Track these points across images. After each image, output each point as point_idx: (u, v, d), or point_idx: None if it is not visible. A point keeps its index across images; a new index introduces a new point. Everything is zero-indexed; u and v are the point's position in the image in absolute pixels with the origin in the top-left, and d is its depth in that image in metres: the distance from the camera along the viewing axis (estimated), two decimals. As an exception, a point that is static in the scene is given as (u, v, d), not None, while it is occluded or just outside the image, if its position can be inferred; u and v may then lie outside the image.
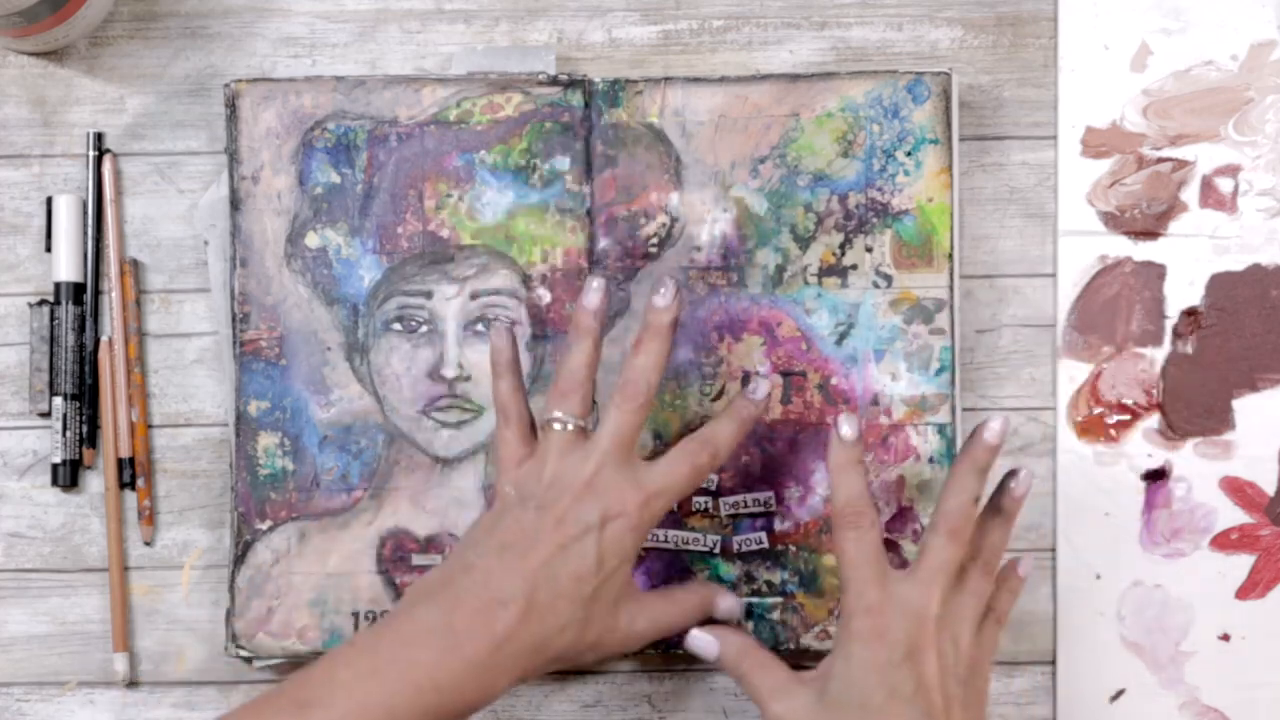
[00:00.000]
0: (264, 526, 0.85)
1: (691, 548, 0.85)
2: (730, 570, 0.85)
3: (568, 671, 0.86)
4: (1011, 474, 0.78)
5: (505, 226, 0.85)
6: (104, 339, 0.86)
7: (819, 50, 0.87)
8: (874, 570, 0.75)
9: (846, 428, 0.76)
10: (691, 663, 0.86)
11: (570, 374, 0.77)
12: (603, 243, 0.85)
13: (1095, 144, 0.87)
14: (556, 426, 0.77)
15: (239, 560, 0.85)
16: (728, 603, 0.81)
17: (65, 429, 0.86)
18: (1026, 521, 0.86)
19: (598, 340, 0.78)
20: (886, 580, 0.75)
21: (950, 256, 0.85)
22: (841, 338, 0.85)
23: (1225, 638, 0.86)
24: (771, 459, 0.85)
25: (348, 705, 0.71)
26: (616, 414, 0.76)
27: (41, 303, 0.86)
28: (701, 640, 0.80)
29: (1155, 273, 0.86)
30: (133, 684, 0.86)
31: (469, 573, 0.74)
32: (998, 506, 0.78)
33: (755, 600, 0.85)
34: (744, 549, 0.85)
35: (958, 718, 0.74)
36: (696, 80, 0.85)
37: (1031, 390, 0.87)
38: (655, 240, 0.85)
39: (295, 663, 0.85)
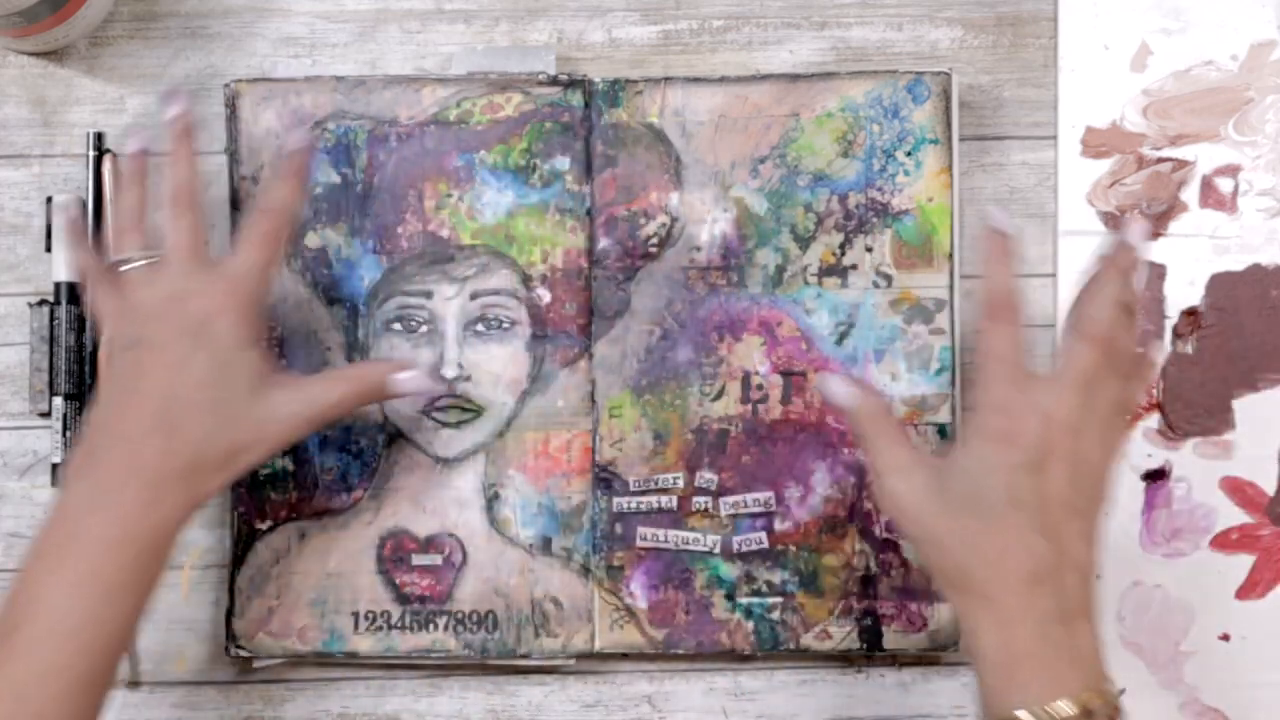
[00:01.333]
0: (264, 526, 0.85)
1: (691, 548, 0.85)
2: (730, 570, 0.85)
3: (567, 671, 0.86)
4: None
5: (505, 226, 0.85)
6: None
7: (819, 50, 0.87)
8: (1012, 368, 0.72)
9: (1001, 218, 0.75)
10: (692, 662, 0.86)
11: (122, 216, 0.80)
12: (603, 243, 0.85)
13: (1095, 144, 0.87)
14: (126, 267, 0.78)
15: (239, 560, 0.85)
16: (405, 375, 0.80)
17: (65, 429, 0.86)
18: (1026, 521, 0.86)
19: (142, 180, 0.80)
20: (1023, 381, 0.72)
21: (950, 256, 0.85)
22: (841, 338, 0.85)
23: (1225, 638, 0.86)
24: (771, 459, 0.85)
25: (45, 614, 0.71)
26: (170, 226, 0.78)
27: (41, 303, 0.86)
28: (838, 387, 0.76)
29: (1155, 273, 0.86)
30: (133, 684, 0.86)
31: (101, 430, 0.75)
32: (1127, 303, 0.74)
33: (755, 600, 0.85)
34: (744, 549, 0.85)
35: (1072, 530, 0.71)
36: (696, 80, 0.85)
37: (1031, 390, 0.87)
38: (655, 240, 0.85)
39: (295, 662, 0.85)
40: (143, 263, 0.78)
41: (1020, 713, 0.68)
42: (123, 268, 0.78)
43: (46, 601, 0.71)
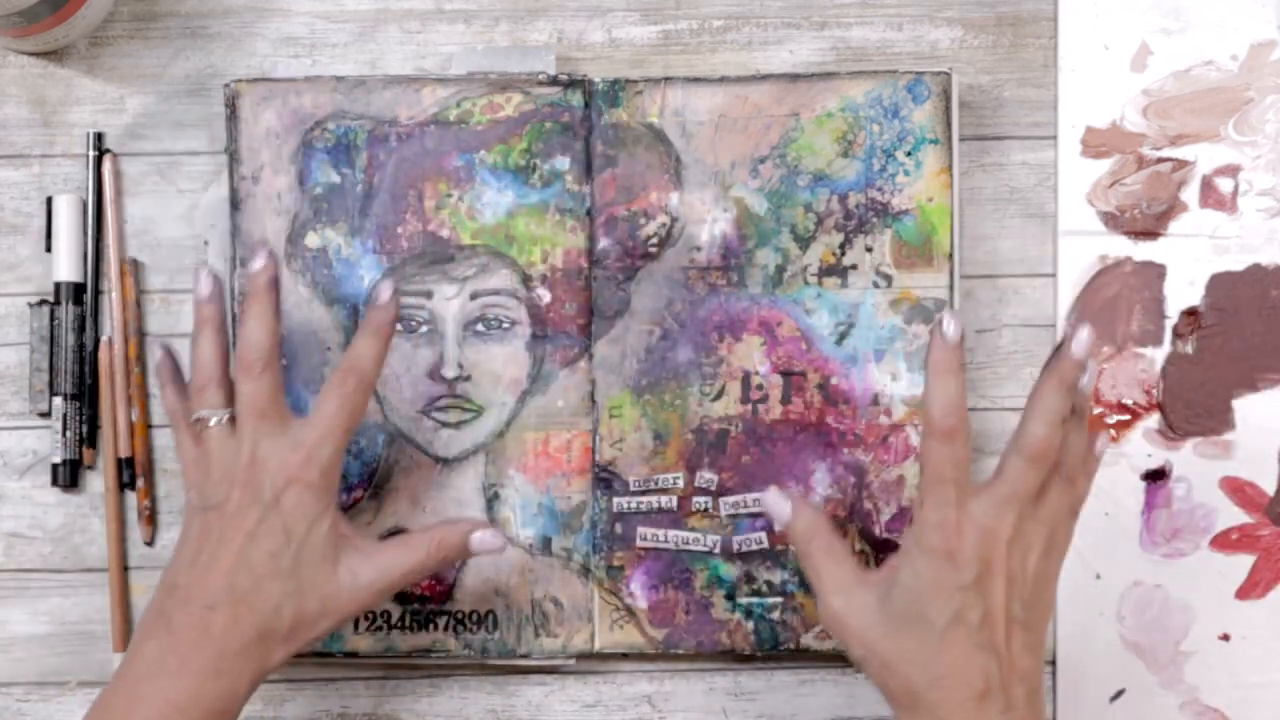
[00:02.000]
0: (264, 526, 0.85)
1: (691, 548, 0.85)
2: (730, 570, 0.85)
3: (567, 671, 0.86)
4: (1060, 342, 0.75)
5: (505, 226, 0.85)
6: (104, 339, 0.86)
7: (819, 50, 0.87)
8: (956, 489, 0.72)
9: (951, 326, 0.73)
10: (692, 662, 0.86)
11: (201, 369, 0.78)
12: (603, 243, 0.85)
13: (1095, 144, 0.87)
14: (210, 424, 0.77)
15: (239, 560, 0.85)
16: (483, 535, 0.79)
17: (65, 429, 0.86)
18: (1026, 521, 0.86)
19: (220, 326, 0.78)
20: (966, 499, 0.72)
21: (950, 256, 0.85)
22: (841, 338, 0.85)
23: (1225, 638, 0.86)
24: (771, 459, 0.85)
25: None
26: (245, 387, 0.76)
27: (41, 303, 0.86)
28: (776, 502, 0.77)
29: (1155, 273, 0.86)
30: (133, 684, 0.86)
31: (174, 593, 0.75)
32: (1071, 409, 0.75)
33: (755, 600, 0.85)
34: (744, 549, 0.85)
35: (1017, 644, 0.72)
36: (696, 80, 0.85)
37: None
38: (655, 240, 0.85)
39: (295, 662, 0.85)
40: (222, 420, 0.77)
41: None
42: (203, 424, 0.77)
43: None
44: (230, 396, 0.77)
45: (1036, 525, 0.74)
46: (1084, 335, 0.74)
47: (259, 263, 0.78)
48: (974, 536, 0.72)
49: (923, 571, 0.72)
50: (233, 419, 0.77)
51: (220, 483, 0.76)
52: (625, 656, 0.86)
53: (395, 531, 0.85)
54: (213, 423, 0.77)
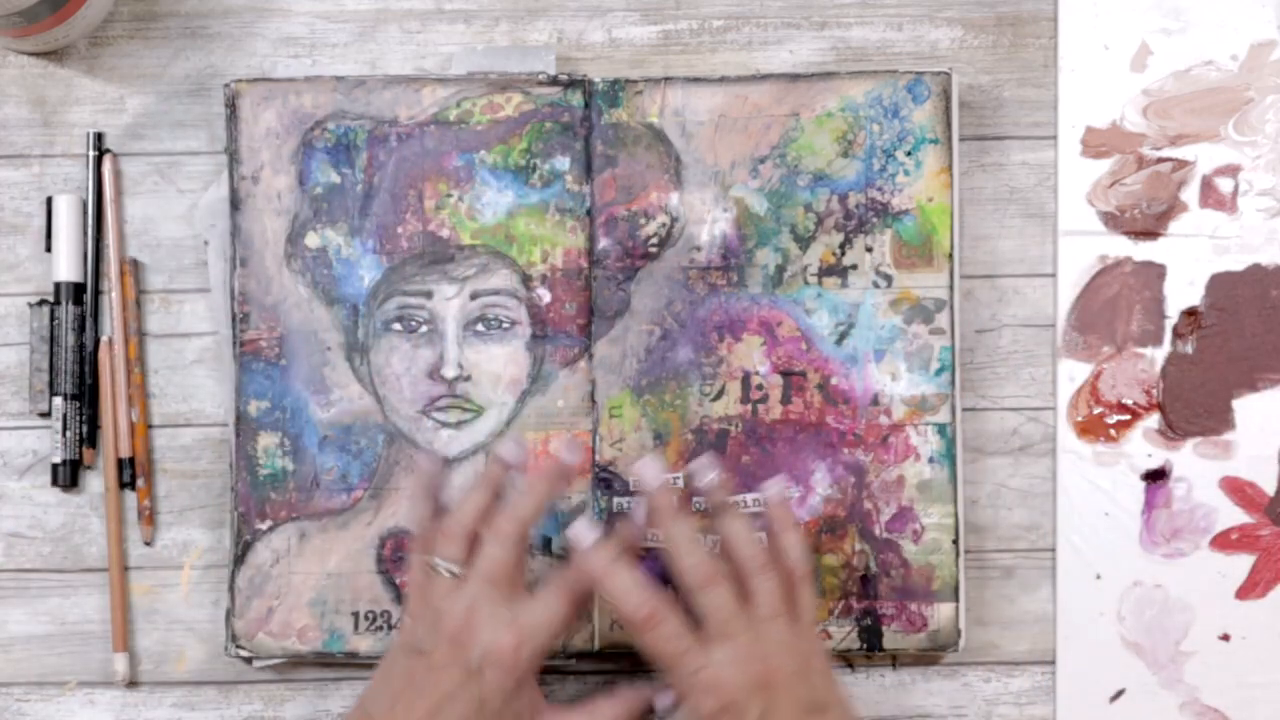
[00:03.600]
0: (264, 526, 0.85)
1: (691, 548, 0.85)
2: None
3: (567, 671, 0.86)
4: (692, 474, 0.80)
5: (505, 226, 0.85)
6: (104, 339, 0.86)
7: (819, 50, 0.87)
8: (692, 654, 0.75)
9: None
10: (691, 663, 0.86)
11: (460, 518, 0.79)
12: (603, 243, 0.85)
13: (1095, 144, 0.87)
14: (438, 570, 0.78)
15: (239, 560, 0.85)
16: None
17: (65, 429, 0.86)
18: (1026, 521, 0.86)
19: (498, 492, 0.79)
20: (707, 654, 0.75)
21: (950, 256, 0.85)
22: (841, 338, 0.85)
23: (1225, 638, 0.86)
24: (771, 459, 0.85)
25: None
26: (488, 549, 0.77)
27: (41, 303, 0.86)
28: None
29: (1155, 273, 0.86)
30: (133, 684, 0.86)
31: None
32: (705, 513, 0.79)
33: (755, 600, 0.85)
34: (744, 549, 0.85)
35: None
36: (696, 80, 0.85)
37: (1031, 390, 0.87)
38: (655, 240, 0.85)
39: (295, 662, 0.85)
40: (454, 572, 0.77)
41: None
42: (436, 570, 0.78)
43: None
44: (465, 556, 0.78)
45: (772, 623, 0.76)
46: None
47: (573, 457, 0.82)
48: (737, 673, 0.75)
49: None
50: (459, 577, 0.78)
51: (432, 632, 0.77)
52: (625, 656, 0.86)
53: (396, 532, 0.85)
54: (443, 570, 0.77)
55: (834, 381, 0.85)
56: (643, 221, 0.85)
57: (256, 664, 0.85)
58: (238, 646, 0.84)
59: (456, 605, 0.77)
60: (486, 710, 0.76)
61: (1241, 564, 0.86)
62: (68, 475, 0.86)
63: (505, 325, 0.85)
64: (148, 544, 0.86)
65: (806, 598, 0.78)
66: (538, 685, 0.79)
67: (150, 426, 0.87)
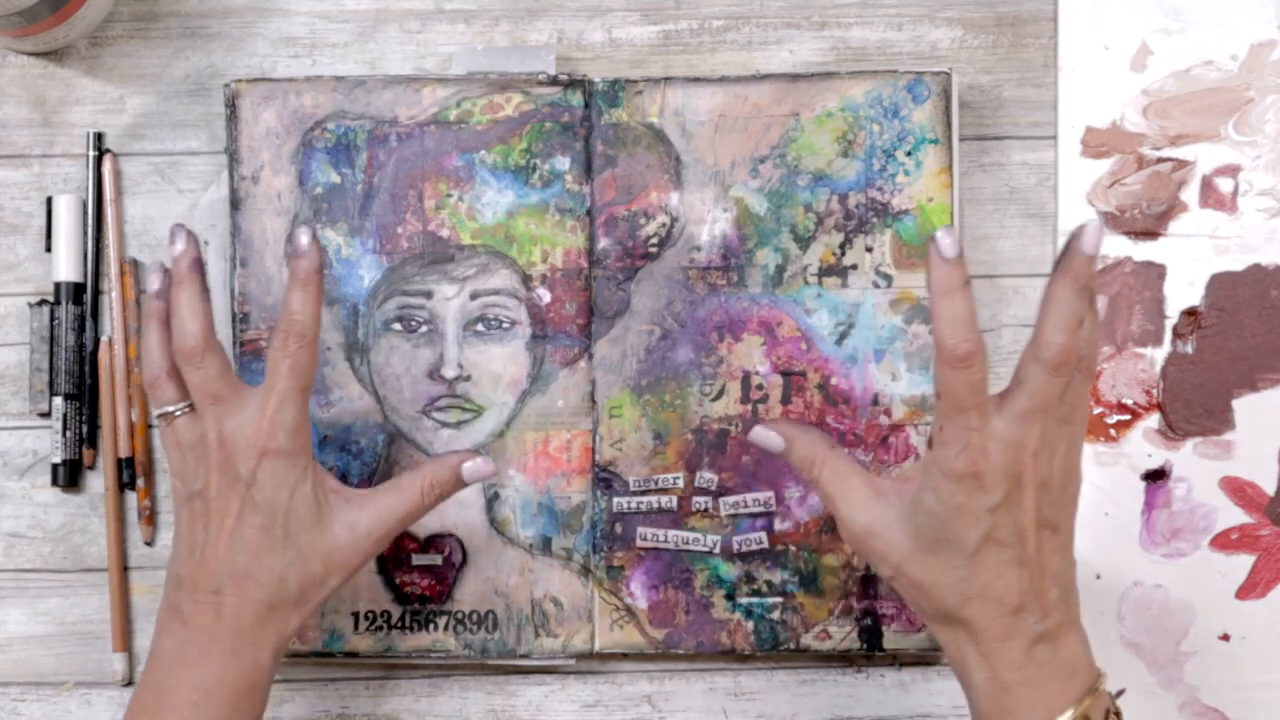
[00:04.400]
0: (264, 526, 0.85)
1: (691, 548, 0.85)
2: (730, 570, 0.85)
3: (567, 671, 0.86)
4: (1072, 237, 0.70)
5: (505, 226, 0.85)
6: (104, 339, 0.86)
7: (819, 50, 0.87)
8: (978, 413, 0.69)
9: (948, 241, 0.69)
10: (692, 662, 0.86)
11: (150, 365, 0.77)
12: (603, 243, 0.85)
13: (1095, 144, 0.87)
14: (175, 416, 0.77)
15: (239, 560, 0.85)
16: (474, 464, 0.78)
17: (65, 429, 0.86)
18: (1026, 521, 0.86)
19: (164, 320, 0.77)
20: (987, 419, 0.69)
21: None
22: (841, 338, 0.85)
23: (1225, 638, 0.86)
24: (771, 459, 0.85)
25: None
26: (190, 375, 0.76)
27: (41, 303, 0.86)
28: (763, 435, 0.77)
29: (1155, 273, 0.86)
30: (132, 684, 0.86)
31: (180, 585, 0.76)
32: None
33: (755, 600, 0.85)
34: (744, 549, 0.85)
35: (1048, 548, 0.71)
36: (696, 80, 0.85)
37: (1031, 390, 0.87)
38: (655, 240, 0.85)
39: (295, 662, 0.85)
40: (182, 411, 0.77)
41: None
42: (168, 420, 0.77)
43: None
44: (182, 390, 0.77)
45: (1060, 428, 0.71)
46: (1093, 230, 0.69)
47: (179, 245, 0.77)
48: (1000, 455, 0.69)
49: (948, 497, 0.70)
50: (189, 408, 0.76)
51: (197, 469, 0.76)
52: (625, 656, 0.86)
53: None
54: (176, 414, 0.77)
55: (834, 381, 0.85)
56: (643, 221, 0.85)
57: (256, 664, 0.85)
58: (238, 646, 0.84)
59: (202, 436, 0.75)
60: (279, 507, 0.75)
61: (1241, 564, 0.86)
62: (68, 475, 0.86)
63: (505, 325, 0.85)
64: (148, 544, 0.86)
65: (1085, 410, 0.72)
66: (322, 468, 0.77)
67: (150, 426, 0.86)
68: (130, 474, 0.86)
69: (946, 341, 0.69)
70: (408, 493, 0.78)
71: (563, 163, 0.85)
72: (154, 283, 0.78)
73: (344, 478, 0.85)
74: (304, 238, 0.76)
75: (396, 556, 0.85)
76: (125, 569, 0.86)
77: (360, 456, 0.85)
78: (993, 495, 0.70)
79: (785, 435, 0.77)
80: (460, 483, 0.79)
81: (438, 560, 0.85)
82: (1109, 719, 0.71)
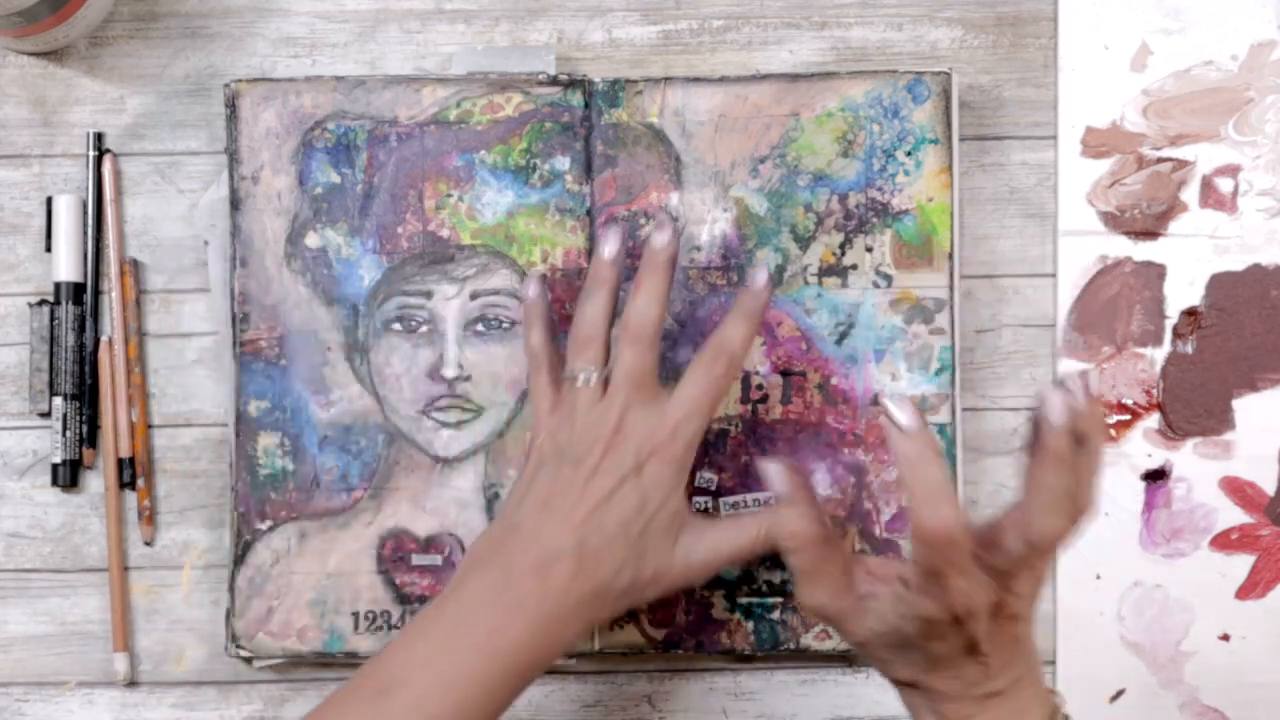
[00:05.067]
0: (264, 526, 0.85)
1: (691, 548, 0.85)
2: (730, 570, 0.85)
3: (567, 671, 0.86)
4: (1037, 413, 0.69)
5: (505, 226, 0.85)
6: (104, 339, 0.86)
7: (819, 50, 0.87)
8: (959, 573, 0.68)
9: (903, 415, 0.68)
10: (692, 662, 0.86)
11: (586, 325, 0.78)
12: (603, 243, 0.85)
13: (1095, 144, 0.87)
14: (579, 381, 0.77)
15: (239, 560, 0.85)
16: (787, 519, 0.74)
17: (65, 429, 0.86)
18: (1026, 521, 0.86)
19: (614, 290, 0.78)
20: (970, 574, 0.69)
21: (950, 256, 0.85)
22: (841, 338, 0.85)
23: (1225, 638, 0.86)
24: (771, 460, 0.84)
25: (425, 682, 0.72)
26: (627, 355, 0.77)
27: (41, 303, 0.86)
28: (774, 472, 0.75)
29: (1155, 273, 0.86)
30: (133, 684, 0.86)
31: (517, 532, 0.75)
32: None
33: (755, 600, 0.85)
34: (744, 549, 0.85)
35: (1010, 638, 0.71)
36: (696, 80, 0.85)
37: (1031, 390, 0.87)
38: (655, 240, 0.85)
39: (295, 662, 0.85)
40: (592, 380, 0.77)
41: None
42: (577, 380, 0.77)
43: (418, 682, 0.72)
44: (606, 359, 0.77)
45: (1044, 579, 0.71)
46: (1055, 399, 0.67)
47: (664, 237, 0.78)
48: (982, 605, 0.69)
49: (922, 631, 0.71)
50: (601, 382, 0.77)
51: (582, 440, 0.76)
52: (625, 656, 0.86)
53: (396, 532, 0.85)
54: (581, 380, 0.77)
55: (834, 381, 0.85)
56: (643, 221, 0.85)
57: (256, 664, 0.85)
58: (238, 646, 0.84)
59: (603, 413, 0.76)
60: (647, 508, 0.75)
61: (1241, 564, 0.86)
62: (68, 475, 0.86)
63: (505, 325, 0.85)
64: (148, 544, 0.86)
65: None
66: (688, 502, 0.77)
67: (150, 426, 0.86)
68: (130, 474, 0.86)
69: (924, 521, 0.67)
70: (744, 534, 0.77)
71: (563, 163, 0.85)
72: (610, 247, 0.78)
73: (344, 478, 0.85)
74: (762, 277, 0.77)
75: (397, 556, 0.85)
76: (125, 569, 0.86)
77: (360, 456, 0.85)
78: (970, 627, 0.70)
79: (787, 511, 0.74)
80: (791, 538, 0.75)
81: (438, 560, 0.85)
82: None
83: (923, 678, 0.72)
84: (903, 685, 0.74)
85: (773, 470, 0.74)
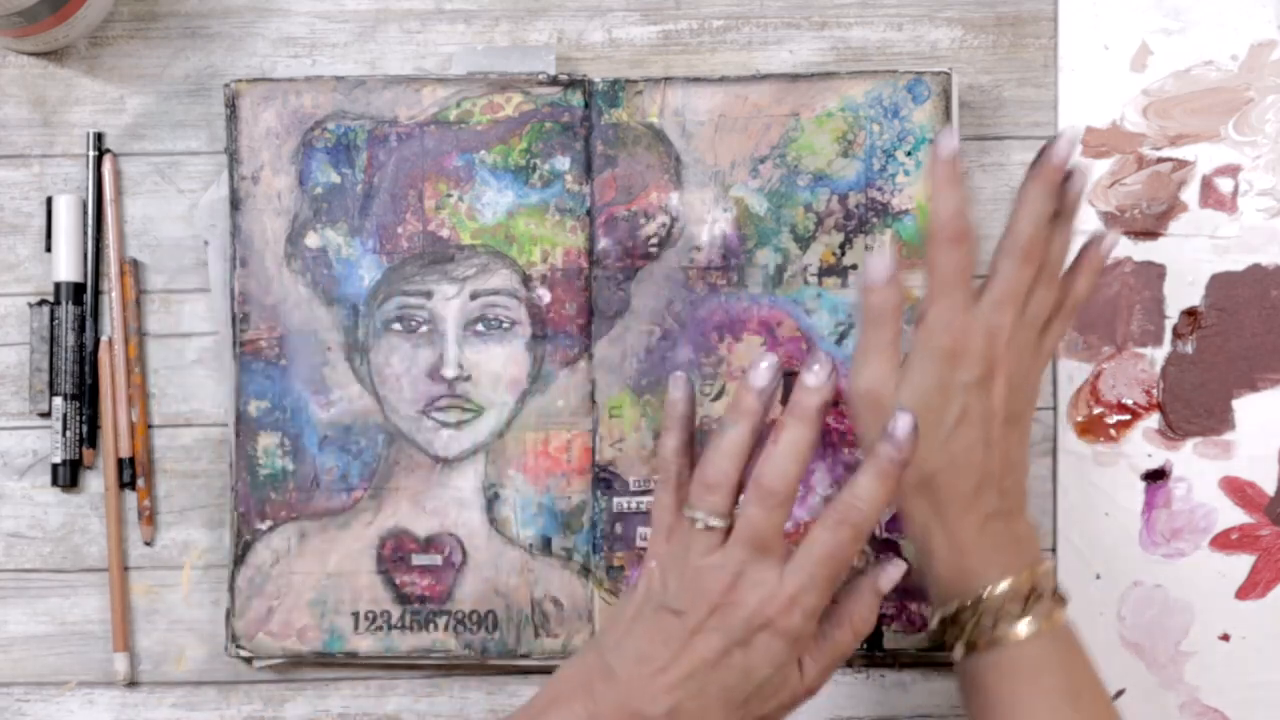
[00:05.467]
0: (264, 526, 0.85)
1: (691, 548, 0.85)
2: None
3: (568, 671, 0.86)
4: (1069, 175, 0.77)
5: (505, 226, 0.85)
6: (104, 339, 0.86)
7: (819, 50, 0.87)
8: (963, 293, 0.75)
9: (946, 142, 0.76)
10: (691, 663, 0.86)
11: (717, 463, 0.73)
12: (603, 243, 0.85)
13: (1095, 144, 0.87)
14: (698, 524, 0.72)
15: (239, 560, 0.85)
16: (890, 572, 0.76)
17: (65, 429, 0.86)
18: (1026, 521, 0.86)
19: (758, 425, 0.73)
20: (970, 301, 0.75)
21: (950, 256, 0.85)
22: (841, 338, 0.85)
23: (1225, 638, 0.86)
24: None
25: None
26: (754, 511, 0.71)
27: (41, 303, 0.86)
28: (878, 266, 0.75)
29: (1155, 273, 0.86)
30: (133, 684, 0.86)
31: (609, 680, 0.72)
32: (1056, 210, 0.77)
33: (755, 600, 0.85)
34: (744, 549, 0.85)
35: (1012, 438, 0.76)
36: (696, 80, 0.85)
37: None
38: (655, 240, 0.85)
39: (295, 662, 0.85)
40: (714, 526, 0.72)
41: (970, 597, 0.74)
42: (696, 522, 0.72)
43: None
44: (734, 504, 0.72)
45: (1027, 325, 0.76)
46: (1063, 143, 0.76)
47: (817, 376, 0.71)
48: (980, 338, 0.75)
49: (931, 370, 0.75)
50: (723, 531, 0.72)
51: (689, 590, 0.71)
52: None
53: (396, 532, 0.85)
54: (700, 524, 0.72)
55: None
56: (643, 221, 0.85)
57: (256, 664, 0.85)
58: (238, 646, 0.84)
59: (718, 567, 0.71)
60: (752, 678, 0.71)
61: (1241, 564, 0.86)
62: (68, 475, 0.86)
63: (505, 325, 0.85)
64: (148, 544, 0.86)
65: (1054, 334, 0.78)
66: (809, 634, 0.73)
67: (150, 426, 0.87)
68: (130, 474, 0.86)
69: (941, 224, 0.75)
70: (844, 635, 0.74)
71: (563, 163, 0.85)
72: (762, 380, 0.73)
73: (344, 478, 0.85)
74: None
75: (397, 556, 0.85)
76: (125, 569, 0.86)
77: (360, 456, 0.85)
78: (969, 373, 0.75)
79: (891, 276, 0.75)
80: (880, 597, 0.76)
81: (438, 560, 0.85)
82: (1056, 592, 0.75)
83: (935, 476, 0.74)
84: (916, 492, 0.75)
85: (878, 259, 0.75)
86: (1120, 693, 0.86)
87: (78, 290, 0.86)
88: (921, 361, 0.75)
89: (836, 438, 0.85)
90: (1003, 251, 0.76)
